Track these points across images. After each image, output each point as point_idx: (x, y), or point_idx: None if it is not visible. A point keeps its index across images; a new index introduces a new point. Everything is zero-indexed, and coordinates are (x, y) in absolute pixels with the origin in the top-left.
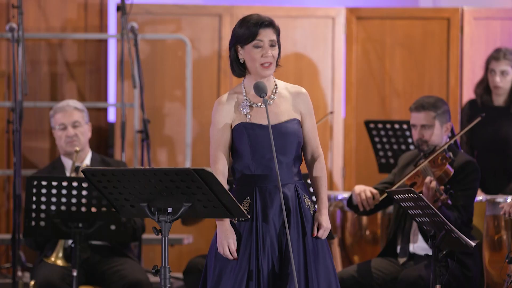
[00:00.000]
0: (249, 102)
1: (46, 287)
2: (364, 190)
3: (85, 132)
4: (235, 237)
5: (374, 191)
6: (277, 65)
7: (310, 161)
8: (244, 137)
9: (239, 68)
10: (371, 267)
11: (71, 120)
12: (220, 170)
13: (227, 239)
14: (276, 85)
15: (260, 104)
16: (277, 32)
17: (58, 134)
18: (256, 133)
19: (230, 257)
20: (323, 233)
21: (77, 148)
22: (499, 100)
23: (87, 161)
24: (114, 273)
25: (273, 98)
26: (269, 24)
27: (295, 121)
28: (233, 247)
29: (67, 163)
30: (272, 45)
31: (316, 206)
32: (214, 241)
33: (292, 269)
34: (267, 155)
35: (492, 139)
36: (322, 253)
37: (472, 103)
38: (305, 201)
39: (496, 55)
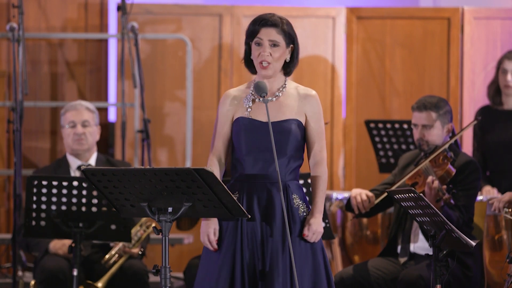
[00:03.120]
0: (253, 96)
1: (56, 272)
2: (360, 193)
3: (93, 133)
4: (217, 227)
5: (370, 194)
6: (288, 67)
7: (312, 164)
8: (240, 131)
9: (252, 65)
10: (371, 267)
11: (81, 119)
12: (215, 161)
13: (208, 229)
14: (285, 85)
15: (262, 99)
16: (285, 33)
17: (67, 132)
18: (252, 128)
19: (210, 246)
20: (312, 236)
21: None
22: (509, 102)
23: (91, 161)
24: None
25: (277, 96)
26: (273, 24)
27: (295, 121)
28: (212, 237)
29: (73, 161)
30: (273, 45)
31: (309, 208)
32: None
33: (293, 269)
34: (260, 152)
35: (500, 141)
36: (312, 257)
37: (484, 110)
38: (294, 201)
39: (509, 55)
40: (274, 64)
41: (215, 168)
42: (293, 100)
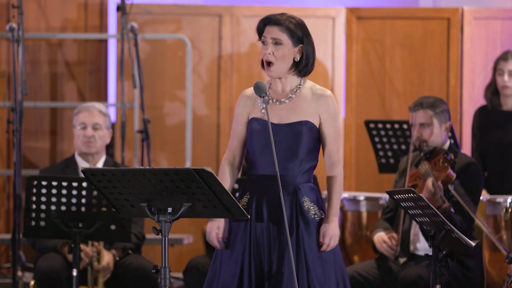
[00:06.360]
0: (268, 98)
1: (48, 273)
2: (382, 240)
3: (103, 136)
4: (221, 225)
5: (389, 235)
6: (299, 67)
7: (327, 165)
8: (253, 132)
9: None
10: (371, 267)
11: (92, 121)
12: (228, 159)
13: (212, 227)
14: (300, 84)
15: (275, 100)
16: (290, 32)
17: (77, 133)
18: (264, 130)
19: (217, 245)
20: (329, 241)
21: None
22: (508, 102)
23: (99, 165)
24: (118, 267)
25: (290, 97)
26: (276, 22)
27: (307, 123)
28: (220, 234)
29: (81, 163)
30: (276, 43)
31: (323, 211)
32: None
33: (292, 269)
34: (271, 154)
35: (500, 142)
36: (334, 256)
37: (482, 110)
38: (305, 204)
39: (504, 56)
40: (277, 63)
41: (227, 166)
42: (307, 101)
